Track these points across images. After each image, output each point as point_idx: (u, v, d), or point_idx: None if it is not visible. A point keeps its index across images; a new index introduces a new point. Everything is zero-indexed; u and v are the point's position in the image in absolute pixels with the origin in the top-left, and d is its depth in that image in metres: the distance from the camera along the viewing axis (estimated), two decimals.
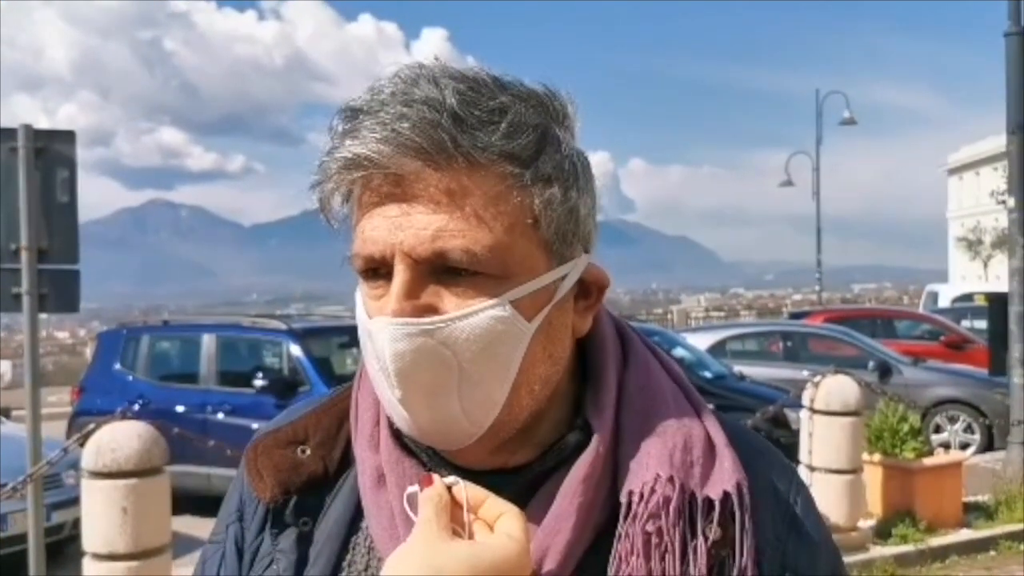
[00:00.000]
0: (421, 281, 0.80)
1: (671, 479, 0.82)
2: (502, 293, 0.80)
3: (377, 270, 0.83)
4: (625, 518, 0.82)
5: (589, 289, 0.88)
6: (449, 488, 0.79)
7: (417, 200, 0.79)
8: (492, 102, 0.80)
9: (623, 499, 0.82)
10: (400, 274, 0.80)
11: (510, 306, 0.80)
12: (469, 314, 0.80)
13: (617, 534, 0.82)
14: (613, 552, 0.81)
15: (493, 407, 0.82)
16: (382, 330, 0.80)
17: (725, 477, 0.83)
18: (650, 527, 0.80)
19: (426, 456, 0.88)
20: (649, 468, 0.83)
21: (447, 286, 0.80)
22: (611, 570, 0.81)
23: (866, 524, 6.81)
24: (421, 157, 0.78)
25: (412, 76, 0.81)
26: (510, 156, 0.80)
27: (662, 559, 0.80)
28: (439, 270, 0.80)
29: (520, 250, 0.81)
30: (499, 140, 0.79)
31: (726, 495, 0.82)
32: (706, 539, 0.81)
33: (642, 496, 0.81)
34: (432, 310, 0.80)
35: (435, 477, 0.79)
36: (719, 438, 0.87)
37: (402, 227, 0.79)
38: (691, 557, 0.80)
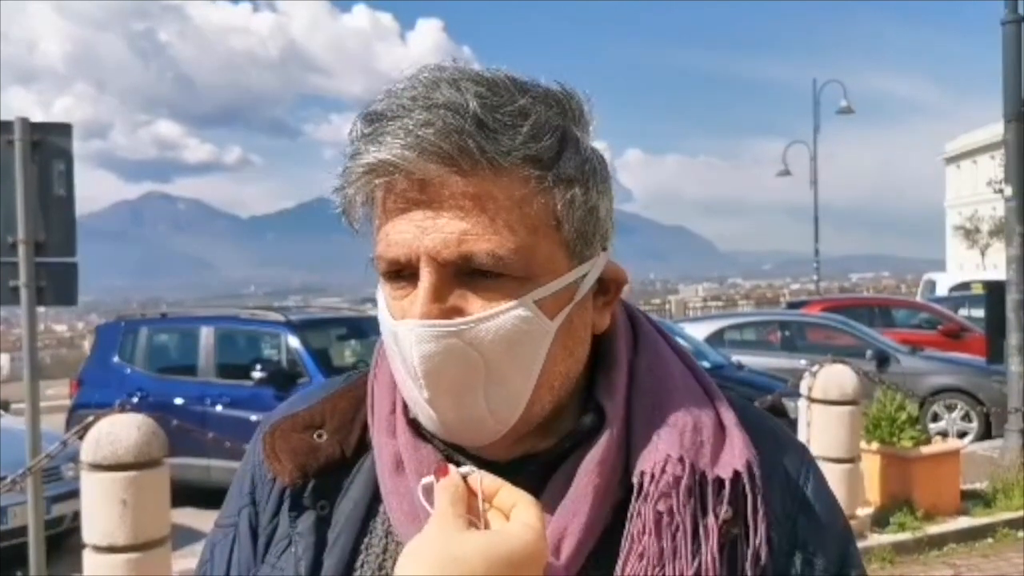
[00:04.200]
0: (447, 284, 0.81)
1: (681, 459, 0.83)
2: (526, 294, 0.81)
3: (400, 272, 0.83)
4: (637, 498, 0.83)
5: (607, 286, 0.90)
6: (464, 477, 0.79)
7: (442, 205, 0.79)
8: (512, 105, 0.80)
9: (635, 480, 0.84)
10: (426, 277, 0.80)
11: (534, 306, 0.82)
12: (495, 315, 0.81)
13: (629, 514, 0.83)
14: (625, 531, 0.83)
15: (518, 405, 0.84)
16: (409, 333, 0.81)
17: (735, 456, 0.85)
18: (661, 506, 0.82)
19: (441, 443, 0.89)
20: (659, 449, 0.84)
21: (472, 288, 0.81)
22: (624, 548, 0.82)
23: (864, 512, 6.82)
24: (446, 163, 0.78)
25: (432, 79, 0.81)
26: (533, 159, 0.80)
27: (673, 538, 0.81)
28: (464, 272, 0.81)
29: (543, 251, 0.82)
30: (521, 144, 0.79)
31: (736, 474, 0.83)
32: (717, 518, 0.82)
33: (653, 476, 0.83)
34: (458, 312, 0.81)
35: (451, 467, 0.80)
36: (729, 418, 0.88)
37: (428, 231, 0.80)
38: (703, 536, 0.81)
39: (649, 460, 0.84)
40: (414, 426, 0.90)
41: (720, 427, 0.87)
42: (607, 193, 0.87)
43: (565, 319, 0.84)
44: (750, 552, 0.83)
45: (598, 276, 0.88)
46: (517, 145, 0.79)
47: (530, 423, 0.86)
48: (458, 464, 0.83)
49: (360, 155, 0.81)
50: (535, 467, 0.87)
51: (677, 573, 0.81)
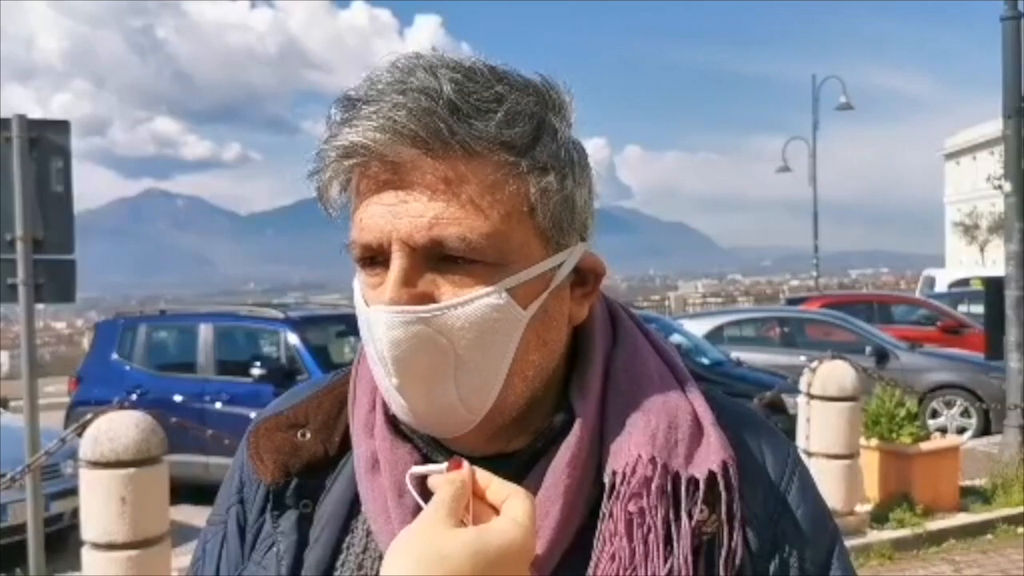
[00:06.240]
0: (418, 269, 0.80)
1: (652, 459, 0.82)
2: (498, 281, 0.81)
3: (374, 258, 0.83)
4: (609, 498, 0.82)
5: (586, 277, 0.89)
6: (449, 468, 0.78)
7: (414, 187, 0.79)
8: (488, 91, 0.80)
9: (606, 479, 0.83)
10: (397, 261, 0.80)
11: (506, 294, 0.81)
12: (465, 302, 0.80)
13: (601, 514, 0.82)
14: (597, 532, 0.82)
15: (489, 394, 0.83)
16: (379, 318, 0.80)
17: (711, 456, 0.83)
18: (632, 507, 0.81)
19: (422, 442, 0.88)
20: (631, 449, 0.83)
21: (443, 274, 0.81)
22: (596, 550, 0.82)
23: (863, 509, 6.83)
24: (417, 145, 0.78)
25: (409, 66, 0.81)
26: (506, 144, 0.80)
27: (645, 540, 0.80)
28: (436, 258, 0.80)
29: (517, 238, 0.81)
30: (495, 128, 0.79)
31: (711, 474, 0.82)
32: (691, 519, 0.81)
33: (624, 476, 0.82)
34: (428, 298, 0.80)
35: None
36: (706, 417, 0.87)
37: (399, 215, 0.79)
38: (675, 537, 0.80)
39: (621, 460, 0.83)
40: (392, 425, 0.89)
41: (697, 426, 0.86)
42: (586, 184, 0.87)
43: (539, 308, 0.83)
44: (724, 553, 0.81)
45: (575, 266, 0.87)
46: (490, 129, 0.79)
47: (504, 415, 0.85)
48: (437, 462, 0.82)
49: (334, 138, 0.81)
50: (510, 466, 0.85)
51: (649, 575, 0.80)
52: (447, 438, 0.87)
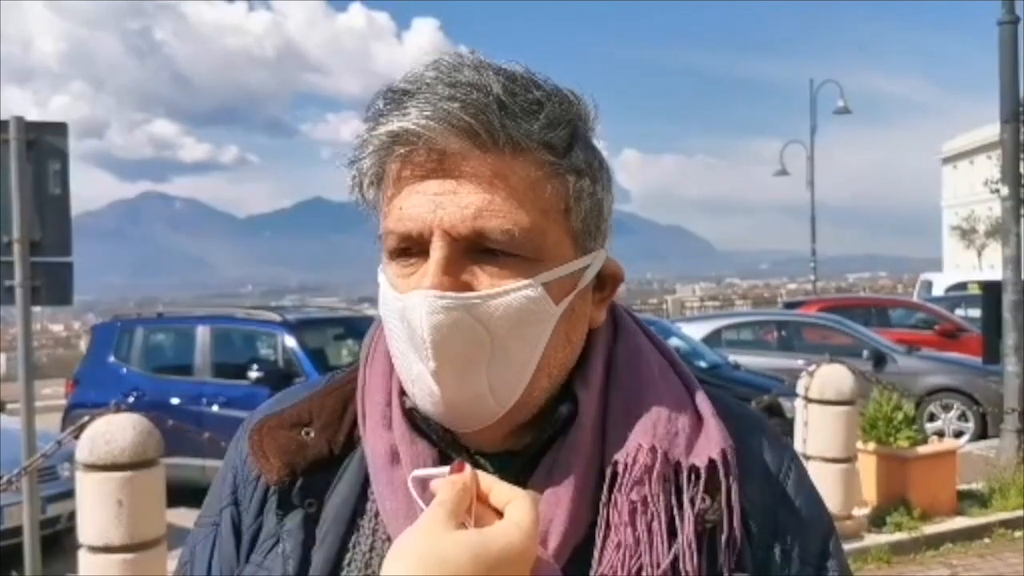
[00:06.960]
0: (457, 259, 0.82)
1: (653, 448, 0.84)
2: (535, 275, 0.83)
3: (409, 249, 0.84)
4: (611, 487, 0.84)
5: (605, 282, 0.92)
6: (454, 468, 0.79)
7: (461, 178, 0.81)
8: (529, 94, 0.83)
9: (608, 469, 0.85)
10: (438, 251, 0.81)
11: (541, 288, 0.83)
12: (504, 292, 0.82)
13: (603, 503, 0.84)
14: (600, 520, 0.83)
15: (517, 386, 0.84)
16: (420, 303, 0.81)
17: (711, 445, 0.85)
18: (635, 496, 0.82)
19: (437, 436, 0.89)
20: (633, 439, 0.85)
21: (481, 266, 0.82)
22: (599, 538, 0.83)
23: (861, 512, 6.84)
24: (469, 137, 0.80)
25: (454, 63, 0.83)
26: (549, 145, 0.83)
27: (649, 527, 0.82)
28: (475, 249, 0.82)
29: (552, 236, 0.84)
30: (539, 129, 0.82)
31: (712, 463, 0.84)
32: (693, 506, 0.82)
33: (626, 466, 0.84)
34: (467, 287, 0.82)
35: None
36: (706, 409, 0.89)
37: (443, 205, 0.81)
38: (678, 524, 0.82)
39: (623, 450, 0.85)
40: (410, 419, 0.89)
41: (697, 417, 0.88)
42: (610, 192, 0.90)
43: (567, 307, 0.86)
44: (724, 539, 0.83)
45: (598, 271, 0.89)
46: (535, 129, 0.82)
47: (526, 410, 0.86)
48: (452, 459, 0.82)
49: (381, 125, 0.82)
50: (518, 461, 0.87)
51: (654, 562, 0.81)
52: (467, 431, 0.87)
